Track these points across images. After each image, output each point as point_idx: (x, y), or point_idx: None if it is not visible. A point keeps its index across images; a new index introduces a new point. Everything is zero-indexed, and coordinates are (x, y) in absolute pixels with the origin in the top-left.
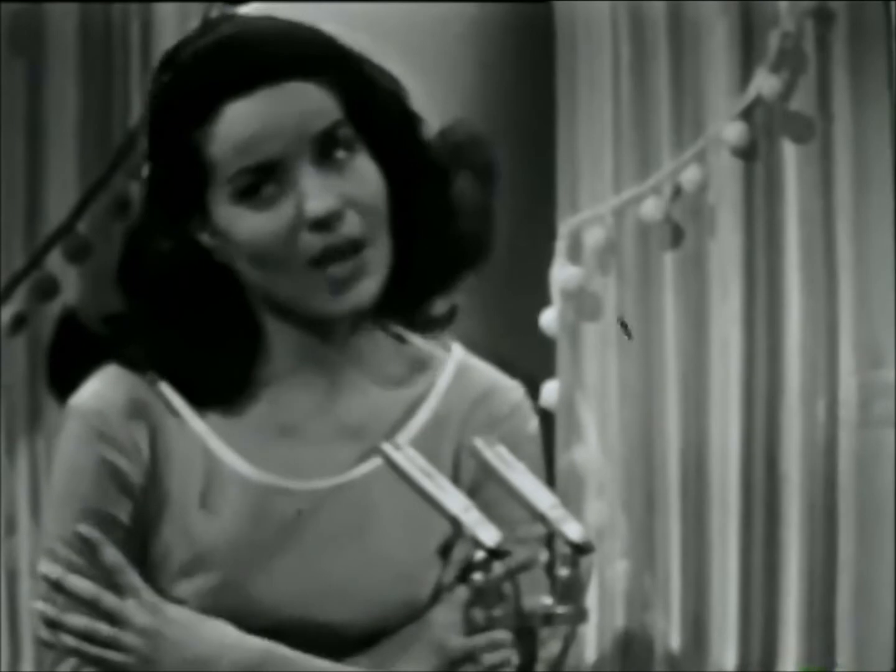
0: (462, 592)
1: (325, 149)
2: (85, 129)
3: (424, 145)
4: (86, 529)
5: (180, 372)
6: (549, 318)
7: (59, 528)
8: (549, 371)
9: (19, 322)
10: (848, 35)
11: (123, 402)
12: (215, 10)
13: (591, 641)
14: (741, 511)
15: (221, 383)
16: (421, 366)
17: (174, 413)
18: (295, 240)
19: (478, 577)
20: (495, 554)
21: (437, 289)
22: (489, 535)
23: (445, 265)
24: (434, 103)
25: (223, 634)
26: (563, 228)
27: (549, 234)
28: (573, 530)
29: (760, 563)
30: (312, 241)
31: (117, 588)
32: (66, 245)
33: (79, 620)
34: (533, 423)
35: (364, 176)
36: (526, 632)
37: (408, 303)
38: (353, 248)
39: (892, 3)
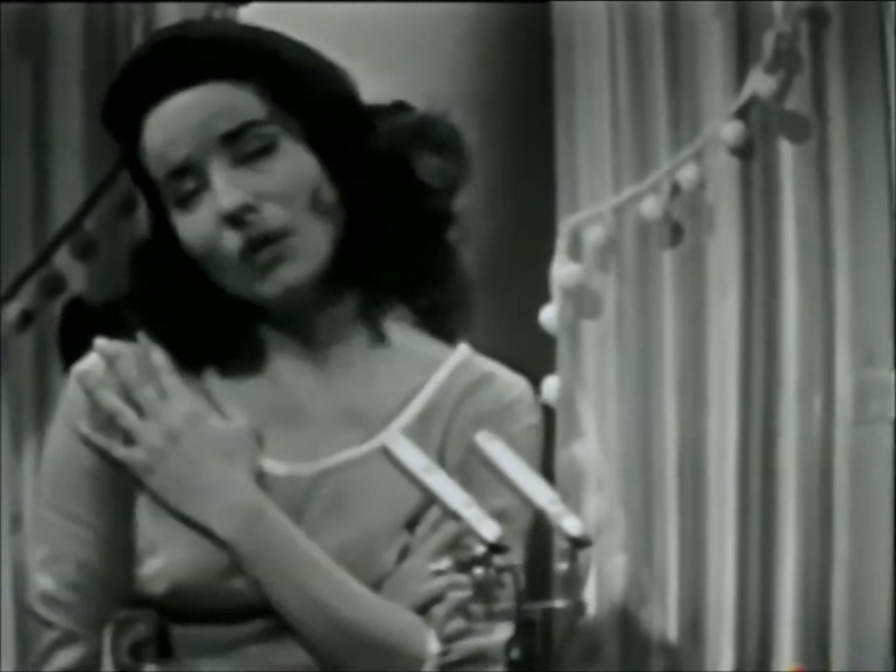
0: (430, 544)
1: (237, 147)
2: (91, 128)
3: (365, 131)
4: (139, 336)
5: (175, 332)
6: (549, 315)
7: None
8: (549, 367)
9: (26, 319)
10: (842, 36)
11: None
12: (217, 11)
13: (589, 635)
14: (738, 506)
15: (215, 344)
16: (424, 361)
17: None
18: (219, 237)
19: (478, 571)
20: (495, 549)
21: (402, 272)
22: (489, 530)
23: (404, 246)
24: (433, 103)
25: (224, 479)
26: (563, 226)
27: (549, 233)
28: (572, 525)
29: (757, 558)
30: (233, 238)
31: (160, 390)
32: (73, 243)
33: (112, 400)
34: (530, 418)
35: (284, 170)
36: (526, 626)
37: (383, 287)
38: (275, 236)
39: (886, 3)
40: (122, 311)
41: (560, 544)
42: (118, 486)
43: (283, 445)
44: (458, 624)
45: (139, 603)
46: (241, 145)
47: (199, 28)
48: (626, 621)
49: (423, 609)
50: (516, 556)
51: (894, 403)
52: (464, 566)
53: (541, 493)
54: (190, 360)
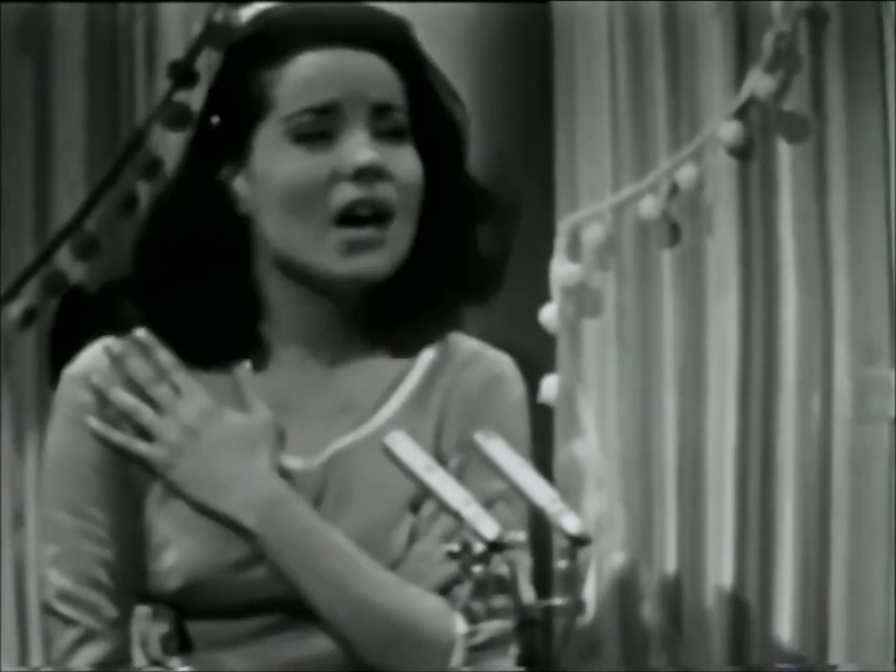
0: (440, 526)
1: (380, 120)
2: (92, 127)
3: (464, 165)
4: (142, 334)
5: (175, 330)
6: (549, 314)
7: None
8: (549, 366)
9: (29, 317)
10: (841, 35)
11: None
12: (219, 12)
13: (589, 633)
14: (737, 504)
15: (214, 344)
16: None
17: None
18: (330, 189)
19: (477, 569)
20: (495, 547)
21: (430, 300)
22: (489, 528)
23: (446, 282)
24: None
25: (246, 471)
26: (563, 226)
27: (549, 232)
28: (571, 523)
29: (756, 555)
30: (346, 192)
31: (173, 386)
32: (75, 242)
33: (127, 398)
34: (516, 393)
35: (407, 161)
36: (526, 623)
37: (400, 303)
38: (381, 214)
39: (885, 3)
40: (121, 306)
41: (560, 542)
42: (125, 481)
43: (290, 439)
44: (481, 604)
45: (154, 598)
46: (385, 121)
47: (383, 8)
48: (625, 619)
49: (442, 591)
50: (522, 535)
51: (892, 401)
52: (463, 566)
53: (541, 492)
54: (192, 358)
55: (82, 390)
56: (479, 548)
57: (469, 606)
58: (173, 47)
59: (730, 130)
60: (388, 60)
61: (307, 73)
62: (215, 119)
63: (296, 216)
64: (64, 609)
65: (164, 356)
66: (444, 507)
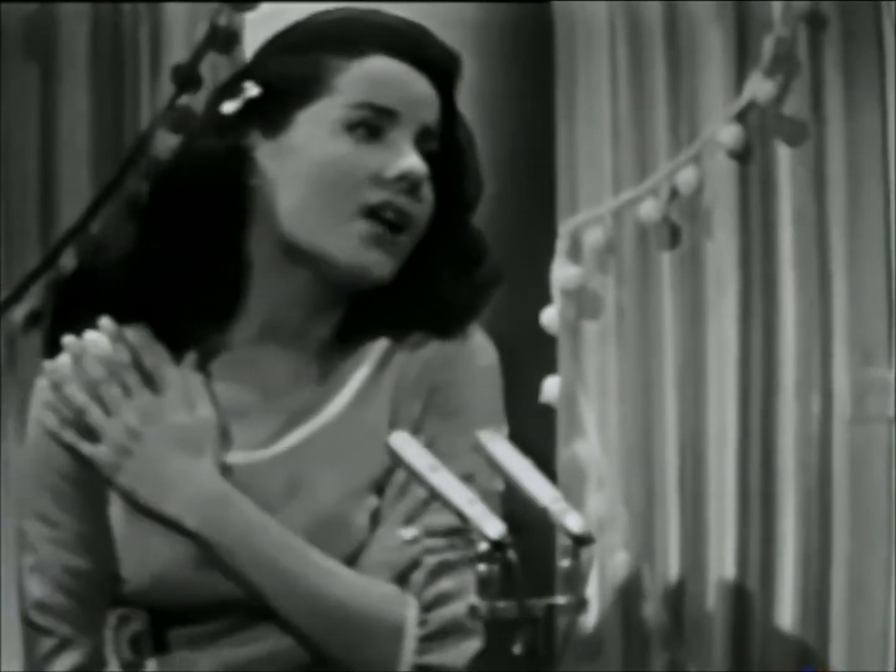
0: (399, 512)
1: (422, 142)
2: (96, 131)
3: (465, 215)
4: (107, 324)
5: (155, 299)
6: (550, 316)
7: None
8: (550, 368)
9: (33, 319)
10: (840, 39)
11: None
12: (223, 16)
13: (590, 632)
14: (738, 504)
15: (188, 322)
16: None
17: None
18: (369, 183)
19: (482, 568)
20: (499, 546)
21: (401, 325)
22: (494, 527)
23: (413, 314)
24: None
25: (189, 471)
26: (563, 229)
27: (550, 235)
28: (574, 522)
29: (757, 556)
30: (383, 191)
31: (123, 384)
32: (80, 245)
33: (79, 396)
34: (491, 358)
35: (428, 188)
36: (528, 622)
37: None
38: (400, 224)
39: (885, 6)
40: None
41: (562, 542)
42: (94, 487)
43: (244, 437)
44: (434, 591)
45: (128, 600)
46: (425, 143)
47: (441, 41)
48: (627, 618)
49: (403, 576)
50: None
51: (891, 402)
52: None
53: (543, 491)
54: (164, 333)
55: (48, 390)
56: (483, 546)
57: (421, 594)
58: (177, 51)
59: (729, 134)
60: (438, 91)
61: (379, 73)
62: (255, 89)
63: (323, 199)
64: (39, 619)
65: (121, 352)
66: (448, 507)
